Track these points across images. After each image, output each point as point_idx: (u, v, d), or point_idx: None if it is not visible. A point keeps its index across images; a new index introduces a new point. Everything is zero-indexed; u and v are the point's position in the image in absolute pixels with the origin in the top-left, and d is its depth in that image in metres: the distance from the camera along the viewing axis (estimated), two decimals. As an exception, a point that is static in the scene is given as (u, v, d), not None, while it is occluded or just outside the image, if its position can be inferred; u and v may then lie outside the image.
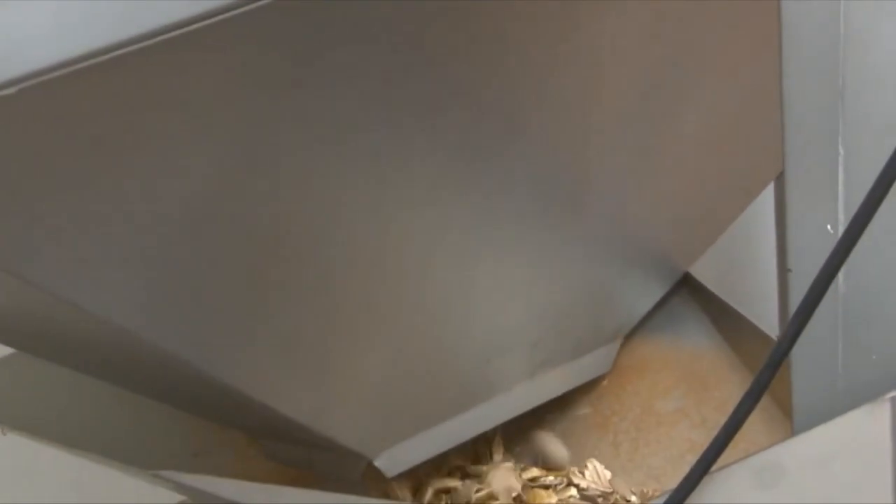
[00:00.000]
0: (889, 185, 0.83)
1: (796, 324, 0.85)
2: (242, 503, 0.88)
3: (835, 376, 1.00)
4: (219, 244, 0.92)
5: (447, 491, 1.37)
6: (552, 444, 1.44)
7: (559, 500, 1.37)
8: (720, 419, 0.86)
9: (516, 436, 1.48)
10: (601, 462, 1.44)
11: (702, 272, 1.52)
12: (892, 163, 0.83)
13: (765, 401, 1.28)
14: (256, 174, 0.89)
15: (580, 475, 1.39)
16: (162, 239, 0.88)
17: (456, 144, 1.00)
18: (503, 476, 1.38)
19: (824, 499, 0.93)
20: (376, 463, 1.22)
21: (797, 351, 0.93)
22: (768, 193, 1.46)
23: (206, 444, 1.32)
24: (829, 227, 0.97)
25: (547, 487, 1.38)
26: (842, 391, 0.99)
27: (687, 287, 1.51)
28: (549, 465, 1.42)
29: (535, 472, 1.41)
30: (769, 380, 0.85)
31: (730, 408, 0.86)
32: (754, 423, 1.30)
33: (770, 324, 1.48)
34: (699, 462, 0.85)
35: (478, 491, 1.35)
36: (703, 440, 0.88)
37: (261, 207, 0.92)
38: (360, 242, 1.01)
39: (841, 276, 0.96)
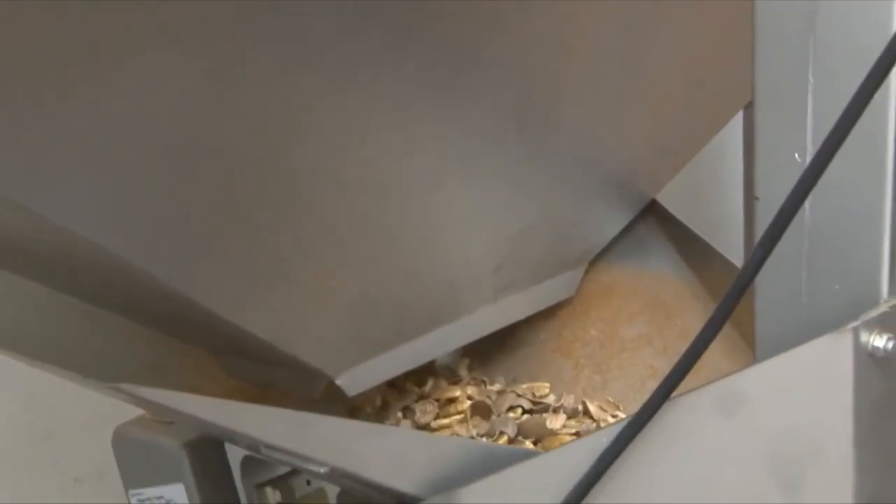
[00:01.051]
0: (858, 116, 0.83)
1: (761, 251, 0.84)
2: (201, 418, 0.88)
3: (798, 305, 1.00)
4: (187, 160, 0.91)
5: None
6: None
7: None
8: (682, 346, 0.86)
9: (479, 359, 1.49)
10: (563, 387, 1.45)
11: (669, 200, 1.51)
12: (860, 93, 0.83)
13: (727, 330, 1.29)
14: (226, 93, 0.89)
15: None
16: (131, 152, 0.87)
17: (424, 65, 1.00)
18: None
19: (786, 425, 0.93)
20: (338, 382, 1.22)
21: (761, 279, 0.93)
22: (736, 122, 1.46)
23: (167, 360, 1.32)
24: (796, 155, 0.97)
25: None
26: (805, 320, 1.00)
27: (653, 214, 1.51)
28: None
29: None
30: (732, 306, 0.84)
31: (692, 336, 0.86)
32: (716, 352, 1.31)
33: (736, 254, 1.49)
34: (661, 387, 0.85)
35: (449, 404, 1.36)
36: (665, 367, 0.88)
37: (228, 125, 0.91)
38: (324, 162, 1.01)
39: (807, 205, 0.96)
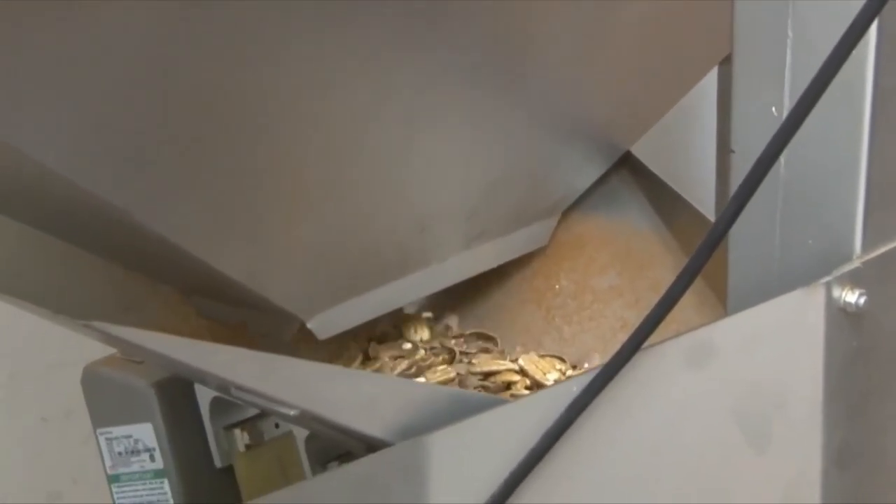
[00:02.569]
0: (835, 71, 0.83)
1: (735, 204, 0.84)
2: (172, 357, 0.88)
3: (771, 259, 1.00)
4: (160, 97, 0.90)
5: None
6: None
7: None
8: (653, 299, 0.86)
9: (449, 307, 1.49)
10: (534, 336, 1.45)
11: (643, 152, 1.51)
12: (839, 48, 0.83)
13: (699, 284, 1.29)
14: (198, 31, 0.88)
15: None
16: (103, 87, 0.86)
17: (397, 8, 0.99)
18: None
19: (755, 378, 0.94)
20: (309, 325, 1.22)
21: (735, 232, 0.94)
22: (711, 77, 1.46)
23: (139, 299, 1.31)
24: (773, 109, 0.97)
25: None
26: (777, 274, 1.00)
27: (627, 166, 1.51)
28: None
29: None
30: (706, 258, 0.84)
31: (664, 288, 0.86)
32: (688, 306, 1.31)
33: (708, 208, 1.49)
34: (632, 338, 0.85)
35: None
36: (636, 319, 0.89)
37: (201, 63, 0.90)
38: (298, 103, 1.00)
39: (783, 159, 0.96)
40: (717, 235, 0.85)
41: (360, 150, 1.10)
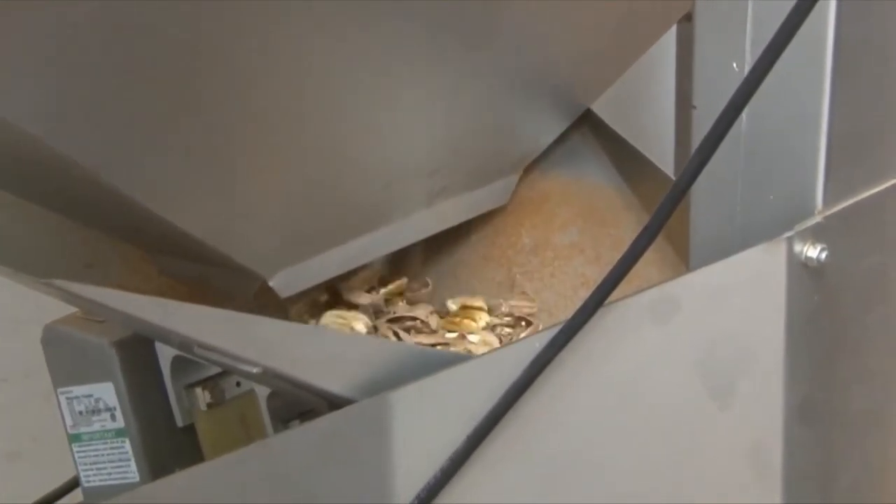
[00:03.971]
0: (797, 26, 0.83)
1: (697, 159, 0.84)
2: (133, 315, 0.88)
3: (733, 215, 1.01)
4: (122, 49, 0.90)
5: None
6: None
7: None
8: (615, 256, 0.86)
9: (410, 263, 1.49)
10: (496, 293, 1.45)
11: (603, 110, 1.52)
12: (801, 3, 0.83)
13: (660, 241, 1.30)
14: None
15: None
16: (64, 41, 0.86)
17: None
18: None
19: (718, 333, 0.94)
20: (271, 283, 1.21)
21: (697, 188, 0.94)
22: (670, 35, 1.46)
23: (100, 257, 1.31)
24: (734, 65, 0.97)
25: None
26: (739, 230, 1.00)
27: (588, 123, 1.51)
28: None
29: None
30: (668, 213, 0.85)
31: (625, 245, 0.86)
32: (650, 263, 1.32)
33: (668, 165, 1.50)
34: (595, 293, 0.85)
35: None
36: (597, 276, 0.89)
37: (165, 17, 0.90)
38: (262, 58, 1.00)
39: (744, 115, 0.96)
40: (679, 191, 0.85)
41: (323, 107, 1.10)
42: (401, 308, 1.41)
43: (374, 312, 1.38)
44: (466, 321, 1.37)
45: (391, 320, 1.37)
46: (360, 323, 1.33)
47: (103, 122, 0.94)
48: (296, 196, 1.17)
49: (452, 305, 1.41)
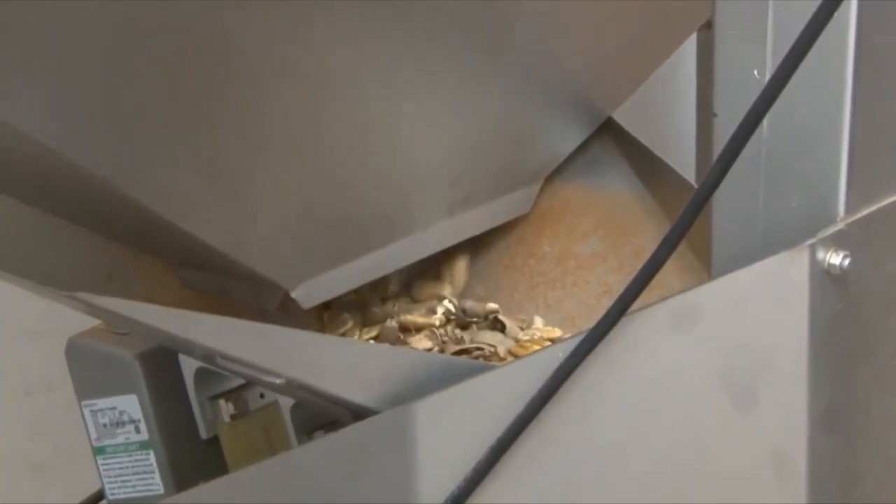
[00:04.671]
0: (818, 32, 0.83)
1: (719, 167, 0.84)
2: (156, 327, 0.88)
3: (755, 222, 1.00)
4: (137, 55, 0.90)
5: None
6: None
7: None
8: (637, 264, 0.87)
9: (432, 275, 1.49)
10: (517, 304, 1.45)
11: (625, 118, 1.51)
12: (821, 9, 0.83)
13: (682, 249, 1.29)
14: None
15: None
16: (79, 50, 0.86)
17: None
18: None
19: (741, 341, 0.94)
20: (293, 294, 1.22)
21: (718, 195, 0.94)
22: (690, 42, 1.46)
23: (121, 269, 1.31)
24: (755, 72, 0.97)
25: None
26: (761, 237, 1.00)
27: (609, 132, 1.51)
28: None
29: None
30: (691, 221, 0.85)
31: (646, 253, 0.86)
32: (671, 271, 1.31)
33: (689, 173, 1.49)
34: (617, 302, 0.85)
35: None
36: (619, 284, 0.89)
37: (182, 24, 0.90)
38: (280, 69, 1.00)
39: (766, 122, 0.96)
40: (701, 199, 0.85)
41: (343, 117, 1.10)
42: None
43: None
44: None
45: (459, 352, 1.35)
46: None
47: (118, 131, 0.95)
48: (317, 207, 1.17)
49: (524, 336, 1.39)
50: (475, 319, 1.38)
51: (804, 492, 0.98)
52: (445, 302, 1.40)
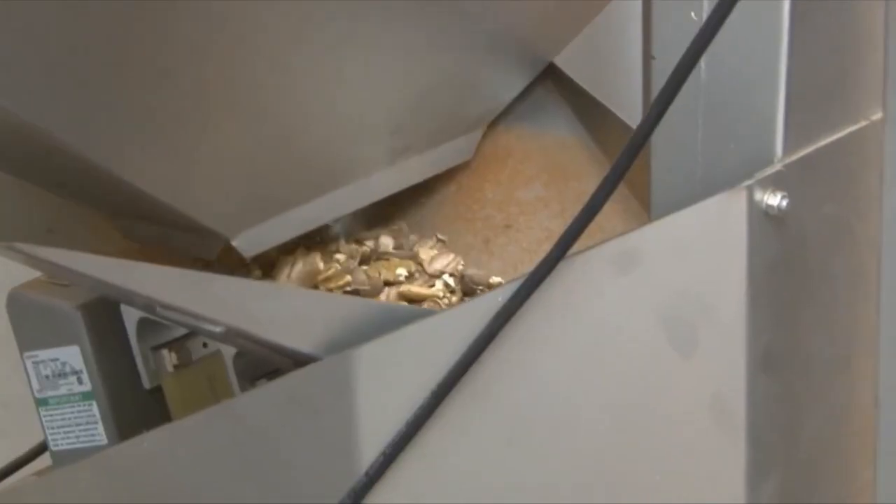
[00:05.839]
0: (755, -26, 0.83)
1: (656, 110, 0.84)
2: (97, 277, 0.87)
3: (693, 165, 1.01)
4: (75, 5, 0.89)
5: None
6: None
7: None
8: (579, 209, 0.87)
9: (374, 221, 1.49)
10: (460, 249, 1.45)
11: (567, 63, 1.51)
12: (759, -49, 0.83)
13: (623, 192, 1.30)
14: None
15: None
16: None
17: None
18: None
19: (680, 283, 0.94)
20: (234, 243, 1.21)
21: (657, 138, 0.94)
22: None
23: (61, 221, 1.30)
24: (693, 14, 0.97)
25: None
26: (700, 180, 1.00)
27: (551, 78, 1.51)
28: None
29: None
30: (628, 164, 0.85)
31: (589, 199, 0.87)
32: (612, 215, 1.32)
33: (634, 119, 1.49)
34: (556, 246, 0.85)
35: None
36: (562, 230, 0.89)
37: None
38: (222, 13, 0.99)
39: (703, 64, 0.96)
40: (638, 141, 0.85)
41: (282, 65, 1.09)
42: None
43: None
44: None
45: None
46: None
47: (56, 81, 0.94)
48: (256, 155, 1.16)
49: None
50: (480, 287, 1.38)
51: (743, 435, 0.99)
52: (446, 276, 1.40)
